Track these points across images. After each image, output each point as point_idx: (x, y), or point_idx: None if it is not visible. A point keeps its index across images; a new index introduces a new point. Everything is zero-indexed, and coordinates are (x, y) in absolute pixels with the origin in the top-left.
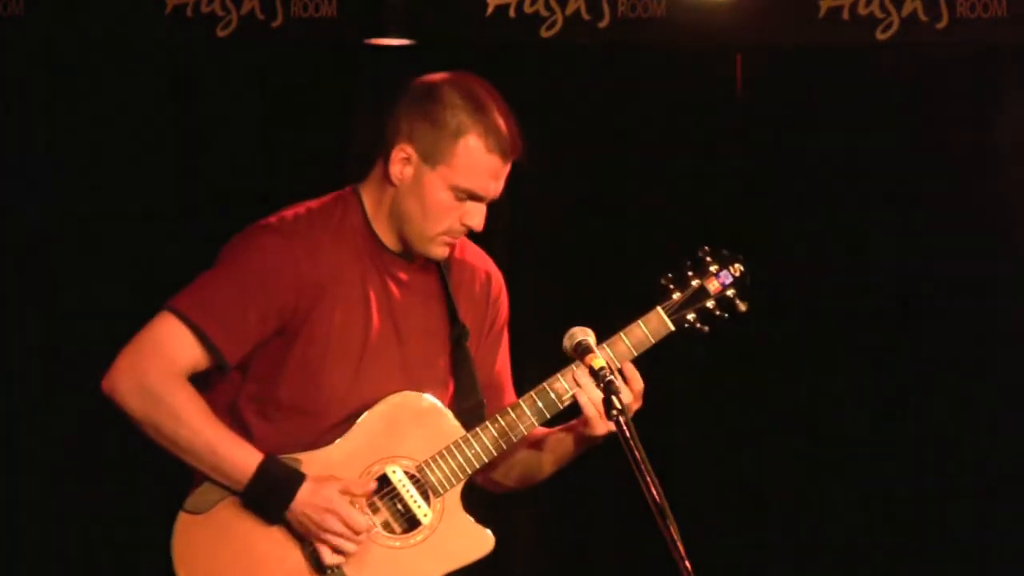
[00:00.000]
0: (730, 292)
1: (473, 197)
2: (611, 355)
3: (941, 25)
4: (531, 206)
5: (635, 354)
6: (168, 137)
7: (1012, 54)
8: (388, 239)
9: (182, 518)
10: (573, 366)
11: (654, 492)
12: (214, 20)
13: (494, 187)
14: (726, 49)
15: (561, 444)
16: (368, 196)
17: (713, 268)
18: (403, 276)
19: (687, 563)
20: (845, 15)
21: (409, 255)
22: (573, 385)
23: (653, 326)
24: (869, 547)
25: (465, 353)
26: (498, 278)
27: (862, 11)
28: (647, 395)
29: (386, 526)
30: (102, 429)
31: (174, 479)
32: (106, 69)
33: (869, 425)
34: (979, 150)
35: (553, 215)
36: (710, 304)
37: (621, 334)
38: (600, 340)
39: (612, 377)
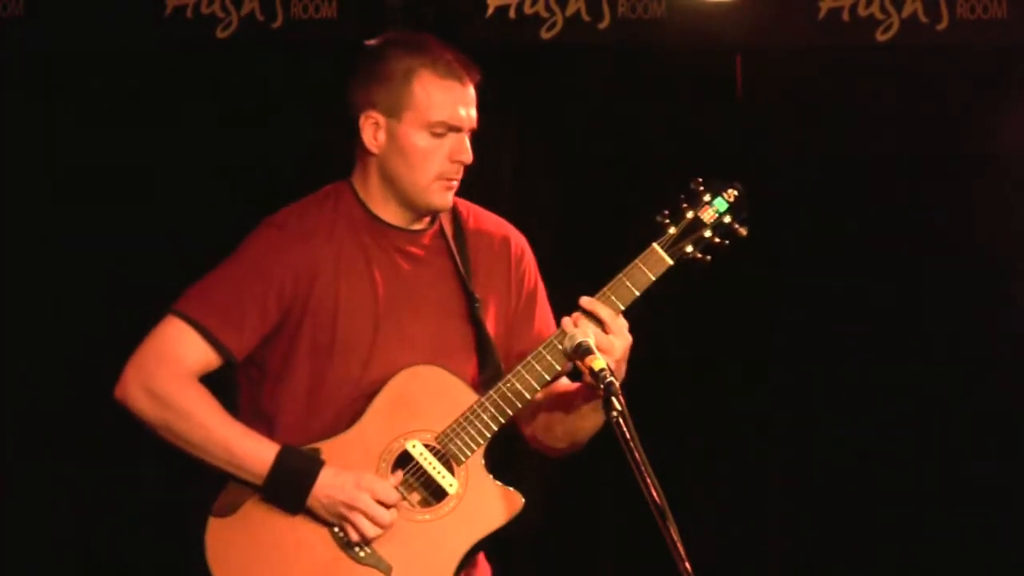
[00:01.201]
0: (727, 219)
1: (451, 129)
2: (615, 299)
3: (941, 26)
4: (531, 206)
5: (637, 294)
6: (168, 137)
7: (1012, 55)
8: (388, 214)
9: (212, 523)
10: (577, 311)
11: (654, 493)
12: (214, 21)
13: (465, 113)
14: (726, 50)
15: (593, 391)
16: (357, 180)
17: (707, 197)
18: (413, 250)
19: (687, 564)
20: (845, 16)
21: (415, 228)
22: (571, 328)
23: (651, 263)
24: (869, 548)
25: (480, 322)
26: (518, 240)
27: (862, 12)
28: (648, 398)
29: (413, 501)
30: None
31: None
32: (106, 70)
33: (869, 425)
34: (980, 151)
35: (553, 216)
36: (707, 233)
37: (621, 276)
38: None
39: (612, 379)
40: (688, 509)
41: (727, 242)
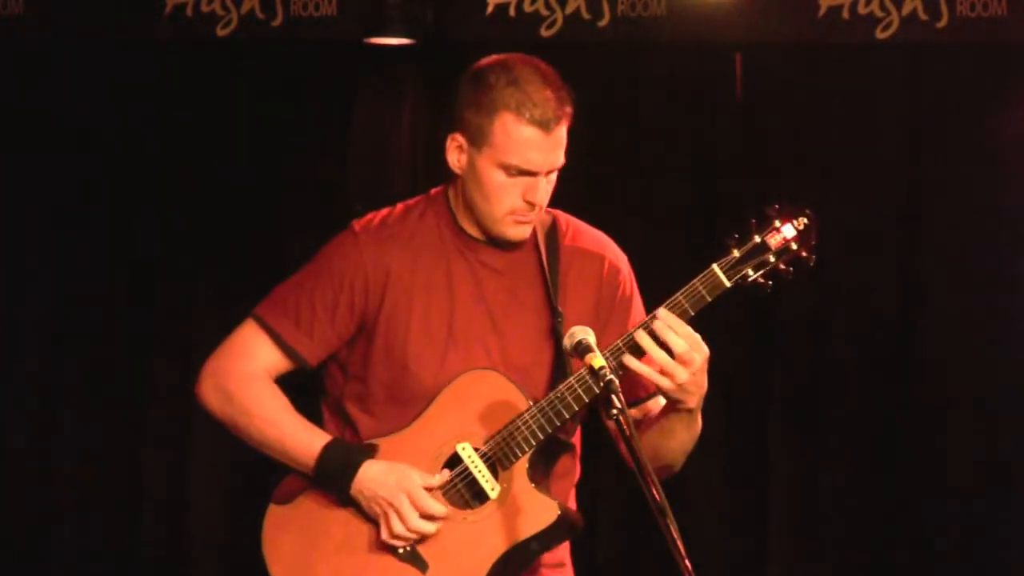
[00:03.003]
0: (793, 245)
1: (522, 172)
2: (669, 317)
3: (941, 24)
4: None
5: (692, 313)
6: (168, 136)
7: (1012, 53)
8: (473, 229)
9: (270, 510)
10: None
11: (654, 491)
12: (214, 19)
13: (541, 160)
14: (725, 48)
15: (661, 414)
16: (451, 191)
17: (777, 223)
18: (498, 265)
19: (687, 562)
20: (845, 14)
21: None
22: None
23: (709, 284)
24: (869, 546)
25: (561, 338)
26: (614, 258)
27: (862, 10)
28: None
29: (457, 503)
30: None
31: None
32: (106, 68)
33: (870, 423)
34: (979, 149)
35: None
36: (771, 258)
37: (679, 295)
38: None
39: (612, 377)
40: (687, 508)
41: (791, 269)
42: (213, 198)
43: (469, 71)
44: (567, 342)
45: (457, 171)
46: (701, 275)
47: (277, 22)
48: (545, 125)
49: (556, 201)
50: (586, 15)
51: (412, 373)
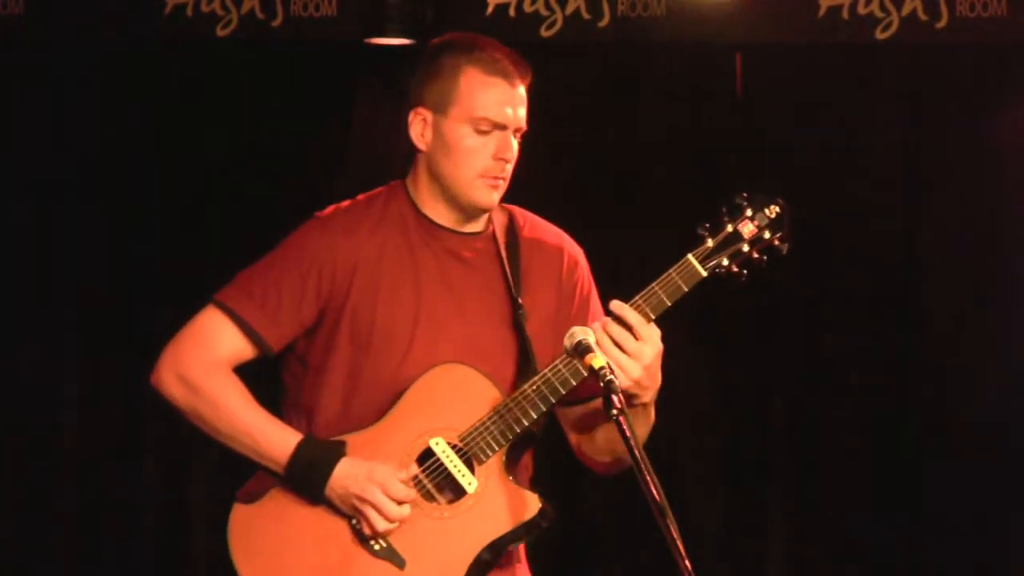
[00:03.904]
0: (766, 234)
1: (495, 126)
2: (646, 308)
3: (941, 24)
4: (528, 205)
5: (668, 304)
6: (168, 136)
7: (1012, 53)
8: (439, 215)
9: (236, 509)
10: (600, 322)
11: (654, 491)
12: (214, 19)
13: (511, 113)
14: (726, 48)
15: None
16: (410, 179)
17: (748, 212)
18: (462, 252)
19: (687, 562)
20: (845, 14)
21: (466, 230)
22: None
23: (685, 274)
24: (870, 547)
25: (522, 329)
26: (572, 250)
27: (862, 10)
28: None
29: (433, 498)
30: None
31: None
32: (106, 68)
33: (870, 423)
34: (979, 149)
35: (551, 216)
36: (744, 248)
37: (654, 285)
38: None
39: (612, 377)
40: (687, 507)
41: (765, 258)
42: (213, 198)
43: (425, 52)
44: (567, 342)
45: (422, 147)
46: (676, 265)
47: (277, 22)
48: (509, 77)
49: (555, 198)
50: (586, 15)
51: (377, 361)
